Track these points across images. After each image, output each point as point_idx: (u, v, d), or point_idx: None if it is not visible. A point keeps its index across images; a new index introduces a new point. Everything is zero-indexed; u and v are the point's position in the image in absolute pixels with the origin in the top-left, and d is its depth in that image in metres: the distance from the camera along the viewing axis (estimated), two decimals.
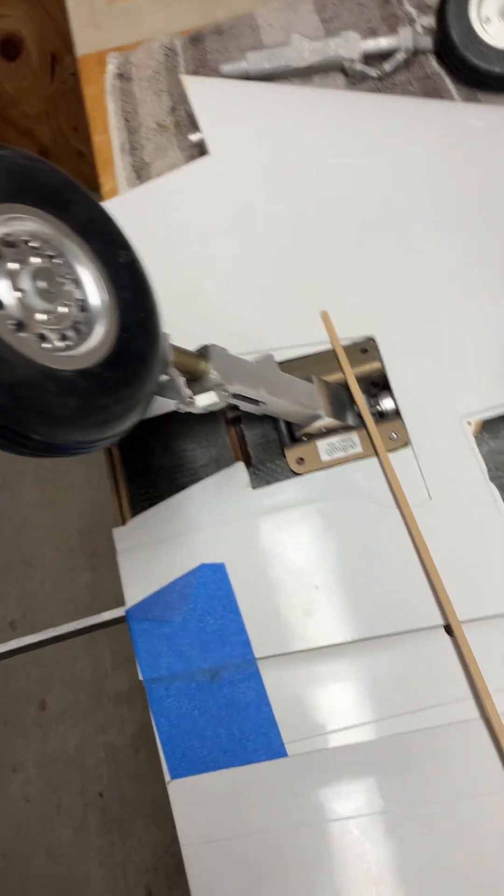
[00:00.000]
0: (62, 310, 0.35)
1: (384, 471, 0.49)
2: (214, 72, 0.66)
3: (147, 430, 0.53)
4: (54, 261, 0.36)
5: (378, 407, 0.51)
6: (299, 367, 0.52)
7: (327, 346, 0.53)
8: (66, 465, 1.52)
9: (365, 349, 0.53)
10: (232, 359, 0.44)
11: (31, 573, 1.49)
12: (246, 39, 0.68)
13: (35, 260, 0.35)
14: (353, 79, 0.65)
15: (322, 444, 0.51)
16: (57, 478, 1.53)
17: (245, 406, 0.46)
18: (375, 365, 0.52)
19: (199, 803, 0.44)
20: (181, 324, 0.54)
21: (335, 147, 0.59)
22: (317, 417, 0.48)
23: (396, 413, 0.51)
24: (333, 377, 0.52)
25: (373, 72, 0.64)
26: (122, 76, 0.68)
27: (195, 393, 0.42)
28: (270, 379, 0.46)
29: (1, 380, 0.29)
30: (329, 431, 0.51)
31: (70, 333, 0.35)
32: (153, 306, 0.39)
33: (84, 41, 0.72)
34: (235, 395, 0.43)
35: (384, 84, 0.65)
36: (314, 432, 0.51)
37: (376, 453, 0.50)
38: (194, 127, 0.63)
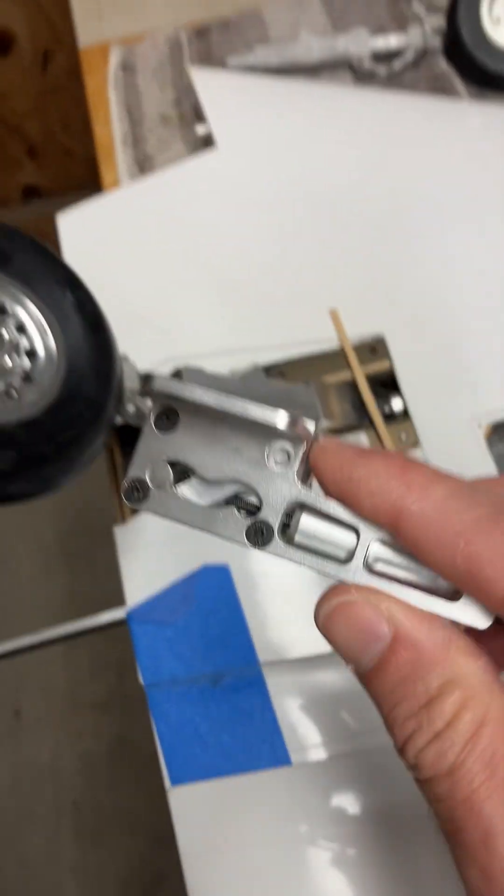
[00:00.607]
0: (6, 361, 0.34)
1: None
2: (220, 65, 0.65)
3: None
4: None
5: (387, 408, 0.50)
6: (305, 367, 0.51)
7: (335, 346, 0.52)
8: None
9: (374, 348, 0.51)
10: (209, 378, 0.43)
11: (5, 575, 1.46)
12: (253, 34, 0.67)
13: None
14: (361, 77, 0.64)
15: None
16: None
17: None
18: (384, 364, 0.51)
19: (199, 811, 0.42)
20: (183, 323, 0.53)
21: (346, 142, 0.58)
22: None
23: (405, 414, 0.50)
24: (340, 377, 0.51)
25: (381, 70, 0.63)
26: (126, 67, 0.67)
27: None
28: (258, 391, 0.45)
29: None
30: (333, 432, 0.50)
31: (16, 383, 0.34)
32: (105, 343, 0.37)
33: (86, 33, 0.71)
34: None
35: (392, 83, 0.64)
36: None
37: None
38: (199, 119, 0.61)
